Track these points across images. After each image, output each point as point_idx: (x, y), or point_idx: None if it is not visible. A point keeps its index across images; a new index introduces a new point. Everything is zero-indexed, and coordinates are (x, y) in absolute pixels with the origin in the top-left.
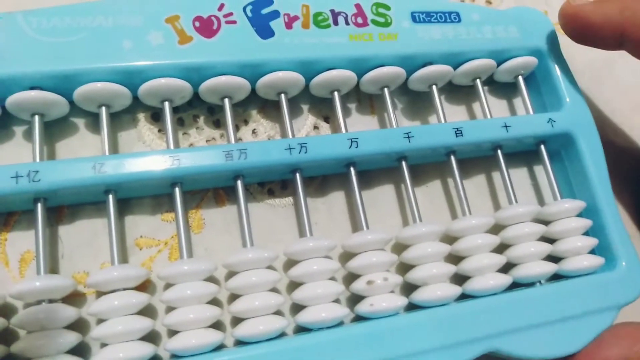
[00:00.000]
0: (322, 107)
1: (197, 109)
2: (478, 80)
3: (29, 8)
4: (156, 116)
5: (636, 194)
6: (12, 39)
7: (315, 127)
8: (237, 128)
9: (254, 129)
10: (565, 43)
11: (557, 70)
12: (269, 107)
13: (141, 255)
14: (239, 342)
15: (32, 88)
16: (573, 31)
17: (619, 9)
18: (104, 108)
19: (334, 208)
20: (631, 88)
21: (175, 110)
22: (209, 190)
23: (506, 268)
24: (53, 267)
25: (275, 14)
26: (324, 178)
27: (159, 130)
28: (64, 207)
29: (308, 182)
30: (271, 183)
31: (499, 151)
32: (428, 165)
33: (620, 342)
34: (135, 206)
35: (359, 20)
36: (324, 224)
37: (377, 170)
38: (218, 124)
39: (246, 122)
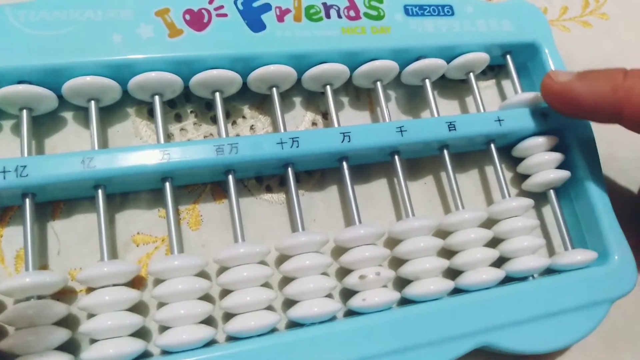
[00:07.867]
0: (321, 104)
1: (194, 105)
2: (471, 74)
3: (17, 1)
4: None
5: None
6: (0, 33)
7: (314, 124)
8: (234, 124)
9: (252, 125)
10: (563, 40)
11: (550, 64)
12: (267, 104)
13: (138, 252)
14: (231, 338)
15: (20, 82)
16: (562, 109)
17: (612, 88)
18: (93, 102)
19: (332, 204)
20: None
21: (172, 105)
22: (207, 186)
23: (499, 262)
24: (49, 263)
25: (267, 7)
26: (323, 174)
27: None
28: (60, 203)
29: (307, 177)
30: (269, 179)
31: (493, 145)
32: (424, 160)
33: None
34: (133, 202)
35: (352, 13)
36: (322, 220)
37: (375, 165)
38: (215, 119)
39: (244, 118)
